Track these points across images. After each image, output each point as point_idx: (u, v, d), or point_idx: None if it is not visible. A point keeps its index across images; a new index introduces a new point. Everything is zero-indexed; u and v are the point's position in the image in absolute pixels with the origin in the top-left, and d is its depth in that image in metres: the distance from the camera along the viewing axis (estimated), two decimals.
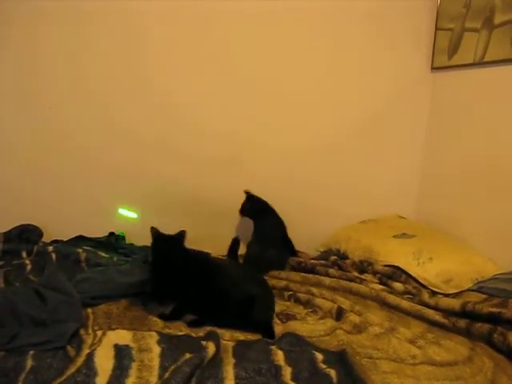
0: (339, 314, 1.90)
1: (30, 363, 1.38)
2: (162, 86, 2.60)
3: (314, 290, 2.12)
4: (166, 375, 1.36)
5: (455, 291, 2.13)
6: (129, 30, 2.50)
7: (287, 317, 1.91)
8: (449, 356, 1.62)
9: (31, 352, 1.42)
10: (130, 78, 2.56)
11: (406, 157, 2.92)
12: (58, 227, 2.50)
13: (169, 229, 2.48)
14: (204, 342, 1.56)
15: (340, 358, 1.54)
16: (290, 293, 2.11)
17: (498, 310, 1.73)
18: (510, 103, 2.28)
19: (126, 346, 1.51)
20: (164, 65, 2.58)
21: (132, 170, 2.62)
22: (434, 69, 2.79)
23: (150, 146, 2.63)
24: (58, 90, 2.50)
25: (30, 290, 1.67)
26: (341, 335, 1.72)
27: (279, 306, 1.99)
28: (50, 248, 2.25)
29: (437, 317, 1.86)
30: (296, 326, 1.79)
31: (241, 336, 1.70)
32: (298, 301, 2.05)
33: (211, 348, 1.50)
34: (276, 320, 1.88)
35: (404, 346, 1.68)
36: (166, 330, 1.68)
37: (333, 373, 1.43)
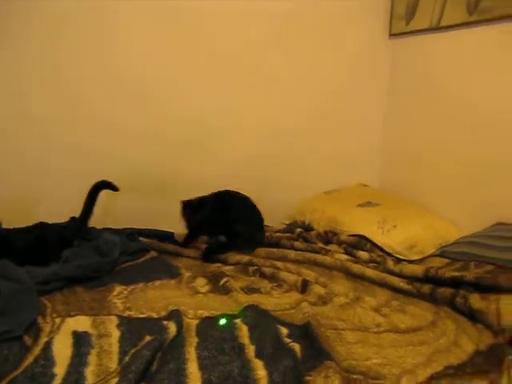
0: (304, 287, 1.89)
1: None
2: (134, 72, 2.53)
3: (279, 264, 2.10)
4: (126, 359, 1.34)
5: (419, 257, 2.14)
6: (99, 15, 2.43)
7: (252, 290, 1.89)
8: (412, 322, 1.64)
9: None
10: (101, 67, 2.48)
11: (368, 125, 2.93)
12: (15, 214, 2.41)
13: (141, 207, 2.53)
14: (165, 322, 1.53)
15: (305, 332, 1.53)
16: (255, 267, 2.08)
17: (460, 274, 1.75)
18: (466, 67, 2.28)
19: (85, 332, 1.47)
20: (135, 51, 2.51)
21: (103, 153, 2.56)
22: (391, 35, 2.77)
23: (122, 131, 2.57)
24: (38, 78, 2.42)
25: None
26: (306, 308, 1.71)
27: (244, 281, 1.98)
28: None
29: (401, 284, 1.88)
30: (260, 300, 1.78)
31: (205, 312, 1.66)
32: (262, 275, 2.03)
33: (172, 328, 1.48)
34: (240, 292, 1.86)
35: (369, 314, 1.69)
36: (127, 313, 1.64)
37: (297, 347, 1.42)
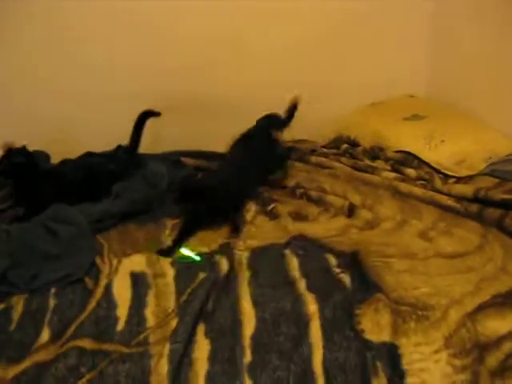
0: (351, 211, 1.89)
1: (52, 302, 1.42)
2: None
3: (327, 185, 2.08)
4: (183, 299, 1.40)
5: (469, 173, 2.10)
6: None
7: (299, 216, 1.90)
8: (459, 246, 1.62)
9: (52, 290, 1.46)
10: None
11: (415, 33, 2.76)
12: (65, 145, 2.47)
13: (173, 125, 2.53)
14: (217, 257, 1.59)
15: (353, 261, 1.55)
16: (302, 191, 2.07)
17: (511, 197, 1.71)
18: None
19: (141, 272, 1.55)
20: None
21: (131, 73, 2.54)
22: None
23: (147, 54, 2.53)
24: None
25: (39, 226, 1.68)
26: (353, 234, 1.73)
27: (291, 205, 1.98)
28: None
29: (449, 202, 1.86)
30: (308, 227, 1.79)
31: (255, 242, 1.70)
32: (309, 199, 2.02)
33: (224, 265, 1.54)
34: (288, 218, 1.87)
35: (415, 240, 1.68)
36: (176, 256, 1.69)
37: (346, 278, 1.45)
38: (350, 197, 1.98)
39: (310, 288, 1.43)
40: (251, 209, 1.96)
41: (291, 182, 2.16)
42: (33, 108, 2.48)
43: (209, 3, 2.50)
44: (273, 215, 1.90)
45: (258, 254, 1.62)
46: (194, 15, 2.51)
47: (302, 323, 1.31)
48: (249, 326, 1.32)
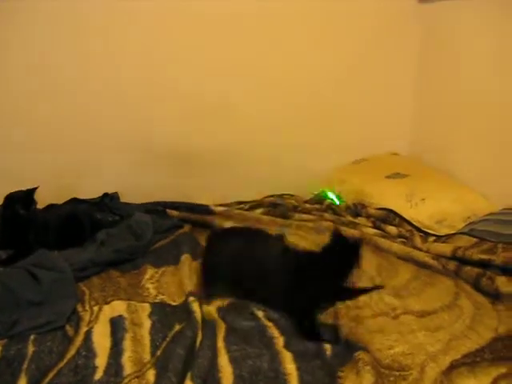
0: None
1: (31, 349, 1.40)
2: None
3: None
4: (158, 353, 1.40)
5: (448, 232, 2.15)
6: None
7: None
8: (428, 305, 1.65)
9: (32, 337, 1.45)
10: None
11: (398, 93, 2.89)
12: (52, 190, 2.49)
13: (162, 182, 2.57)
14: (191, 307, 1.59)
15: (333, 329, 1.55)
16: None
17: (488, 258, 1.76)
18: (495, 34, 2.21)
19: (120, 316, 1.56)
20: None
21: (122, 127, 2.59)
22: (420, 1, 2.68)
23: (139, 105, 2.59)
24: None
25: (22, 272, 1.67)
26: None
27: None
28: None
29: (426, 258, 1.90)
30: None
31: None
32: None
33: (198, 313, 1.54)
34: None
35: (386, 298, 1.70)
36: (160, 297, 1.71)
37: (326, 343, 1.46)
38: None
39: (287, 346, 1.44)
40: None
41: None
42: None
43: (197, 67, 2.60)
44: None
45: (228, 310, 1.62)
46: (184, 77, 2.61)
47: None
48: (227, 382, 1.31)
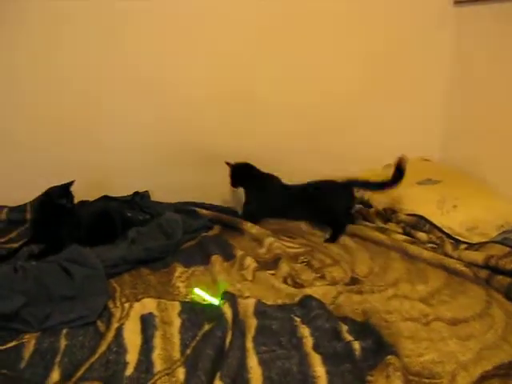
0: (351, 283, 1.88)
1: (63, 343, 1.44)
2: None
3: (333, 254, 2.10)
4: (188, 352, 1.42)
5: (480, 240, 2.12)
6: None
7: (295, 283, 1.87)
8: (459, 313, 1.65)
9: (64, 331, 1.49)
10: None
11: (430, 97, 2.85)
12: (83, 188, 2.53)
13: (192, 182, 2.60)
14: (222, 308, 1.59)
15: (363, 328, 1.55)
16: (304, 258, 2.07)
17: None
18: None
19: (150, 313, 1.58)
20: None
21: (153, 126, 2.60)
22: (456, 3, 2.64)
23: (168, 104, 2.60)
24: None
25: (56, 267, 1.71)
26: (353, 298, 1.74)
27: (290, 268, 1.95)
28: None
29: (457, 265, 1.90)
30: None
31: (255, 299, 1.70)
32: (309, 266, 2.01)
33: (228, 314, 1.55)
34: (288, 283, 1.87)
35: (416, 304, 1.69)
36: (190, 296, 1.73)
37: (356, 345, 1.44)
38: (356, 268, 1.99)
39: (316, 348, 1.44)
40: (251, 264, 1.96)
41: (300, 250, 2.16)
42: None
43: (224, 65, 2.60)
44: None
45: (259, 311, 1.62)
46: (210, 76, 2.60)
47: None
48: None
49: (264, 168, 2.43)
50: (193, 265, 1.96)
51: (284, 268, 1.93)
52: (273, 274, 1.91)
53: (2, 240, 2.15)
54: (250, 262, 1.97)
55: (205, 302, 1.68)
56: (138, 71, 2.52)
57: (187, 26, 2.50)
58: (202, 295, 1.71)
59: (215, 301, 1.68)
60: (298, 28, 2.61)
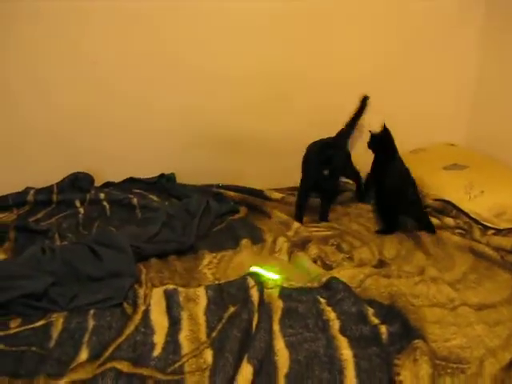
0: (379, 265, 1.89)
1: (91, 323, 1.45)
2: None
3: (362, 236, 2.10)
4: (213, 335, 1.42)
5: (508, 226, 2.09)
6: None
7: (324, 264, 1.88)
8: (486, 298, 1.64)
9: (91, 311, 1.50)
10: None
11: (457, 82, 2.78)
12: (108, 170, 2.55)
13: (217, 165, 2.60)
14: (249, 291, 1.59)
15: (390, 311, 1.55)
16: (334, 241, 2.07)
17: None
18: None
19: (175, 289, 1.60)
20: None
21: (179, 110, 2.59)
22: None
23: (197, 88, 2.58)
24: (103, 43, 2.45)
25: (84, 248, 1.73)
26: (380, 281, 1.73)
27: (319, 250, 1.96)
28: (102, 195, 2.32)
29: (486, 249, 1.89)
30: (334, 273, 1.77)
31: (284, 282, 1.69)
32: (339, 248, 2.01)
33: (255, 296, 1.55)
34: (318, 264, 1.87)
35: (443, 289, 1.68)
36: (216, 282, 1.72)
37: (383, 329, 1.43)
38: (384, 251, 1.98)
39: (342, 331, 1.43)
40: (284, 246, 1.97)
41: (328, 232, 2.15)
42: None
43: (250, 52, 2.57)
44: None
45: (286, 293, 1.62)
46: (238, 63, 2.58)
47: (336, 369, 1.30)
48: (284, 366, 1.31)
49: (288, 153, 2.41)
50: (221, 250, 1.95)
51: (313, 250, 1.93)
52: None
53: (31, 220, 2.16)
54: (282, 242, 1.98)
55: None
56: (169, 58, 2.50)
57: (212, 14, 2.47)
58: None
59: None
60: (322, 14, 2.57)
